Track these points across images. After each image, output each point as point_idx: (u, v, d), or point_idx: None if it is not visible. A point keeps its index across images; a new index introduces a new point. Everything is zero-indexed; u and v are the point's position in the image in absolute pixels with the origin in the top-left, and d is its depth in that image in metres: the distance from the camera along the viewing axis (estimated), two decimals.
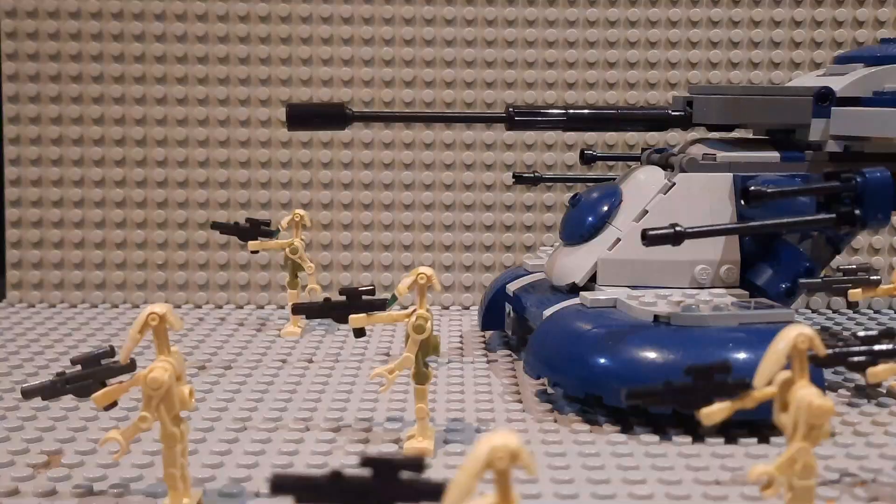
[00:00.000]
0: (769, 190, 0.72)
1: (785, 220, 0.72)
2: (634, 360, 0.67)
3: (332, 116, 0.80)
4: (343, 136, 1.07)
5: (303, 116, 0.80)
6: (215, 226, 0.96)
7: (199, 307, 1.08)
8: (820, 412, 0.48)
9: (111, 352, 0.56)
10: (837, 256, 0.96)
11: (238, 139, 1.08)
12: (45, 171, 1.07)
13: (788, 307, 0.74)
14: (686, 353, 0.67)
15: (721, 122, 0.82)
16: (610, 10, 1.07)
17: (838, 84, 0.79)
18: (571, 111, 0.83)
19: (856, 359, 0.56)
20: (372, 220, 1.09)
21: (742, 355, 0.66)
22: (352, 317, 0.64)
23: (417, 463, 0.35)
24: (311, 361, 0.85)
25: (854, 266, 0.77)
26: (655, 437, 0.66)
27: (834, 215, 0.71)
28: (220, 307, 1.08)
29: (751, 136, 0.89)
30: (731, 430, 0.66)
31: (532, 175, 0.98)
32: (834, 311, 1.06)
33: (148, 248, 1.08)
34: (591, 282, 0.79)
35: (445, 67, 1.07)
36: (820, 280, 0.78)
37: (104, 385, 0.56)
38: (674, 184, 0.79)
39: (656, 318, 0.71)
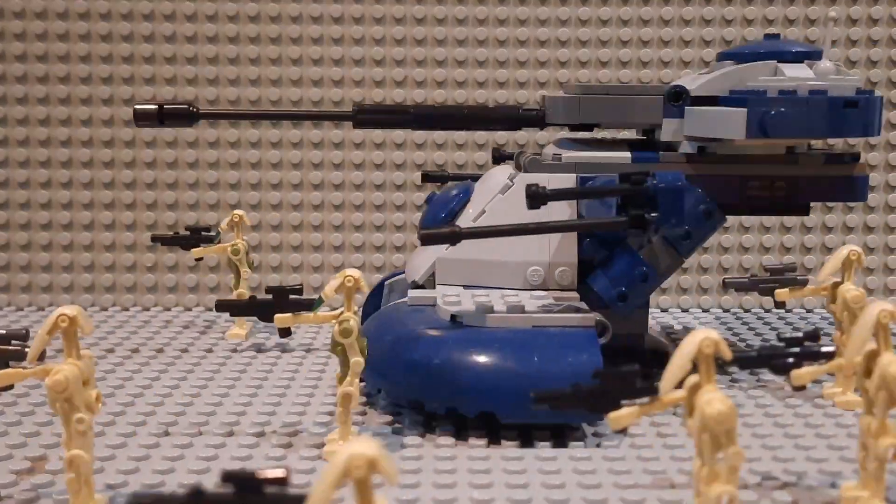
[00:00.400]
0: (551, 192, 0.69)
1: (577, 222, 0.70)
2: (415, 361, 0.67)
3: (177, 115, 0.80)
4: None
5: (148, 115, 0.79)
6: (155, 238, 0.95)
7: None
8: (721, 418, 0.48)
9: (26, 335, 0.56)
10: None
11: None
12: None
13: (624, 313, 0.73)
14: (468, 353, 0.67)
15: (571, 122, 0.80)
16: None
17: (696, 83, 0.77)
18: (416, 109, 0.82)
19: (779, 361, 0.55)
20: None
21: (524, 357, 0.66)
22: (277, 316, 0.64)
23: (281, 478, 0.35)
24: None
25: (781, 266, 0.76)
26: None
27: (626, 218, 0.69)
28: (169, 309, 1.07)
29: (616, 136, 0.87)
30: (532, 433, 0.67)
31: (441, 174, 0.96)
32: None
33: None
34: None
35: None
36: (746, 280, 0.77)
37: (6, 366, 0.55)
38: (513, 184, 0.78)
39: (453, 317, 0.70)
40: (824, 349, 0.55)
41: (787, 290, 0.75)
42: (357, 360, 0.62)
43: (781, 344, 0.55)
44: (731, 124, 0.72)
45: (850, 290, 0.72)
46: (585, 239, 0.75)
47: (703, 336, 0.49)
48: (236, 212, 0.93)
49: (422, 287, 0.77)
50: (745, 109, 0.71)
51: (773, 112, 0.71)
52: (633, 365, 0.51)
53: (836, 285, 0.73)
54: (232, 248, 0.93)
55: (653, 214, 0.69)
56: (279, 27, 1.06)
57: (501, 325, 0.69)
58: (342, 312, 0.63)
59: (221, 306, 0.67)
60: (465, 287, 0.76)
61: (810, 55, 0.75)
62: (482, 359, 0.67)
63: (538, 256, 0.76)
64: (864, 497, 0.55)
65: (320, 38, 1.06)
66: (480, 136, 1.07)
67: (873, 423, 0.54)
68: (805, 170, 0.76)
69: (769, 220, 1.06)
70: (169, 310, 1.07)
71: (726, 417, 0.48)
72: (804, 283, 0.75)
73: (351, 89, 1.06)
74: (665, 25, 1.06)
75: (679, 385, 0.50)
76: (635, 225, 0.69)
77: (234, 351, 0.89)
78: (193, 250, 0.93)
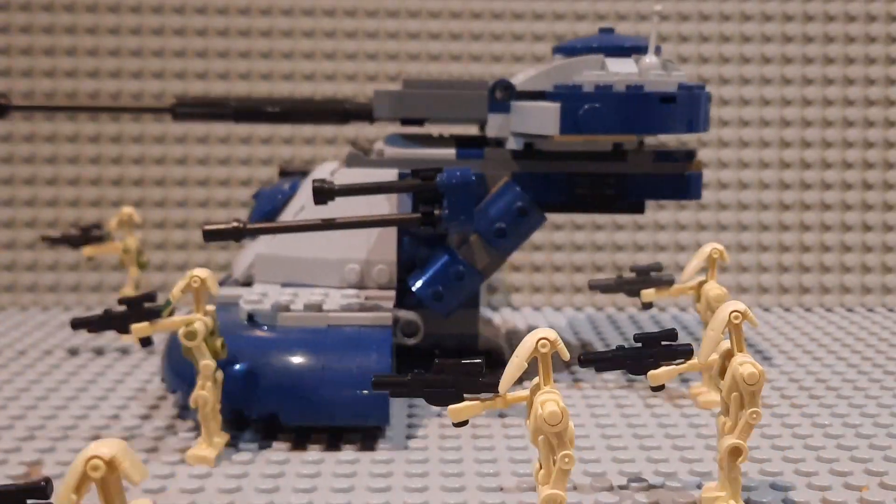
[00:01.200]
0: (338, 187, 0.68)
1: (365, 218, 0.69)
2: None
3: None
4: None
5: None
6: (45, 239, 0.93)
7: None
8: (552, 418, 0.47)
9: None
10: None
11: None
12: None
13: (443, 312, 0.72)
14: (254, 354, 0.65)
15: (397, 117, 0.78)
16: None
17: (522, 77, 0.76)
18: (237, 103, 0.81)
19: (636, 362, 0.55)
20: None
21: (310, 357, 0.65)
22: (134, 326, 0.62)
23: (40, 489, 0.33)
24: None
25: (647, 266, 0.75)
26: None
27: (419, 214, 0.68)
28: (70, 308, 1.04)
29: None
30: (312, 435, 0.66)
31: (303, 171, 0.93)
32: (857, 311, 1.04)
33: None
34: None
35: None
36: (612, 281, 0.76)
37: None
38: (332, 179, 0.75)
39: (250, 317, 0.69)
40: (681, 348, 0.54)
41: (652, 290, 0.74)
42: (206, 363, 0.60)
43: (638, 344, 0.55)
44: (546, 120, 0.71)
45: (712, 288, 0.71)
46: (405, 237, 0.74)
47: (539, 336, 0.48)
48: (125, 209, 0.91)
49: (246, 285, 0.76)
50: (558, 105, 0.70)
51: (586, 107, 0.70)
52: (475, 358, 0.50)
53: (702, 284, 0.72)
54: (123, 246, 0.91)
55: (443, 211, 0.67)
56: (270, 20, 1.06)
57: (295, 324, 0.67)
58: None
59: (77, 324, 0.64)
60: (284, 285, 0.75)
61: (639, 50, 0.74)
62: (266, 359, 0.65)
63: (355, 254, 0.74)
64: (722, 497, 0.54)
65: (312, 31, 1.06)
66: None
67: (728, 423, 0.53)
68: (634, 167, 0.75)
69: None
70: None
71: (558, 419, 0.47)
72: (670, 282, 0.74)
73: (343, 84, 1.06)
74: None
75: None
76: (425, 221, 0.68)
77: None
78: (84, 249, 0.91)
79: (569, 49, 0.76)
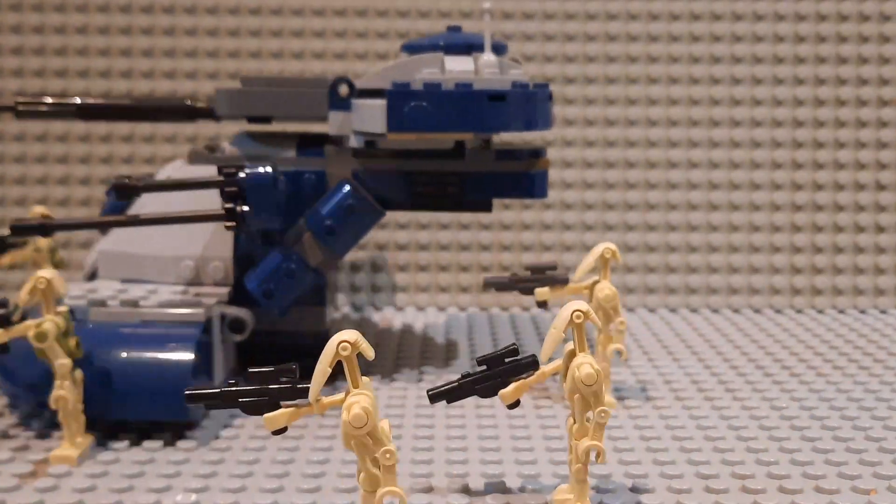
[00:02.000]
0: (142, 184, 0.68)
1: (172, 214, 0.68)
2: (20, 359, 0.63)
3: None
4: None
5: None
6: None
7: None
8: (357, 420, 0.46)
9: None
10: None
11: None
12: None
13: (276, 309, 0.73)
14: None
15: (238, 115, 0.78)
16: None
17: (365, 75, 0.76)
18: (83, 101, 0.80)
19: (484, 385, 0.54)
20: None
21: (113, 354, 0.65)
22: None
23: None
24: None
25: (542, 265, 0.74)
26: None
27: (223, 211, 0.68)
28: None
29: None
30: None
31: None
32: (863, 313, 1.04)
33: None
34: None
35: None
36: (506, 279, 0.75)
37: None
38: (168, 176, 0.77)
39: (72, 312, 0.68)
40: (525, 361, 0.53)
41: (547, 289, 0.73)
42: (61, 363, 0.60)
43: (482, 367, 0.53)
44: (375, 118, 0.71)
45: (602, 289, 0.70)
46: (241, 234, 0.74)
47: (339, 339, 0.47)
48: (36, 208, 0.90)
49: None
50: (384, 102, 0.70)
51: (412, 105, 0.69)
52: (290, 364, 0.49)
53: (595, 284, 0.71)
54: (34, 247, 0.90)
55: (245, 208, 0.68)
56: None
57: (108, 319, 0.67)
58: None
59: None
60: (124, 281, 0.75)
61: (480, 48, 0.73)
62: None
63: (191, 251, 0.75)
64: (570, 500, 0.54)
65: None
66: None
67: (575, 426, 0.52)
68: (475, 165, 0.75)
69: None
70: None
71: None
72: (565, 281, 0.73)
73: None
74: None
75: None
76: (229, 219, 0.67)
77: None
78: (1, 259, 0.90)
79: (414, 47, 0.76)
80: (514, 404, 0.53)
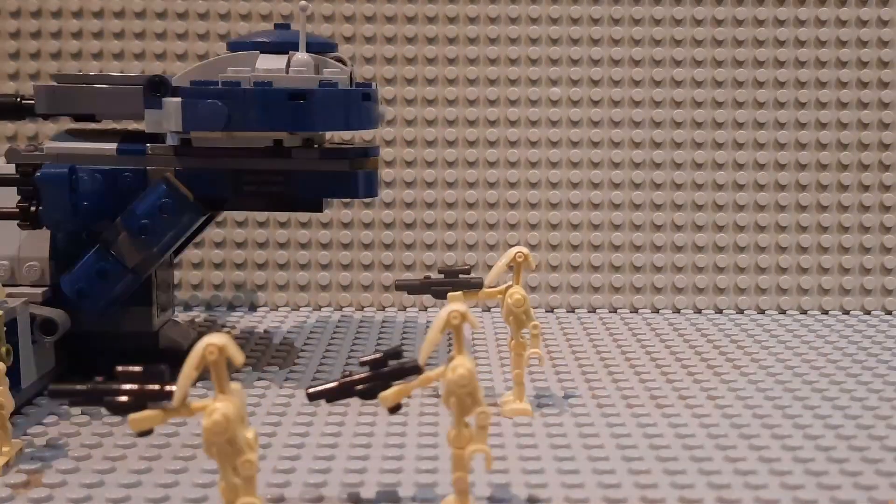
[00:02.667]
0: None
1: None
2: None
3: None
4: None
5: None
6: None
7: None
8: (216, 426, 0.45)
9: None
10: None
11: None
12: None
13: (90, 309, 0.72)
14: None
15: (55, 112, 0.77)
16: None
17: (182, 72, 0.75)
18: None
19: (364, 387, 0.53)
20: None
21: None
22: None
23: None
24: None
25: (456, 267, 0.73)
26: None
27: (18, 209, 0.68)
28: None
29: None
30: None
31: None
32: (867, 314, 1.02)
33: None
34: None
35: None
36: (418, 282, 0.74)
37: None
38: None
39: None
40: (409, 365, 0.52)
41: (460, 292, 0.71)
42: None
43: (366, 368, 0.53)
44: (173, 116, 0.70)
45: (513, 293, 0.68)
46: (58, 234, 0.74)
47: (205, 343, 0.46)
48: None
49: None
50: (180, 101, 0.70)
51: (206, 103, 0.69)
52: (159, 366, 0.47)
53: (509, 288, 0.70)
54: None
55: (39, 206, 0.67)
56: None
57: None
58: None
59: None
60: None
61: (320, 47, 0.74)
62: None
63: (6, 251, 0.74)
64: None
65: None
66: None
67: (452, 431, 0.51)
68: (300, 165, 0.74)
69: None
70: None
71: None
72: (479, 285, 0.71)
73: None
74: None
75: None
76: (23, 217, 0.67)
77: None
78: None
79: (236, 45, 0.75)
80: (395, 408, 0.53)
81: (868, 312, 1.02)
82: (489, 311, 1.02)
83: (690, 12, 1.04)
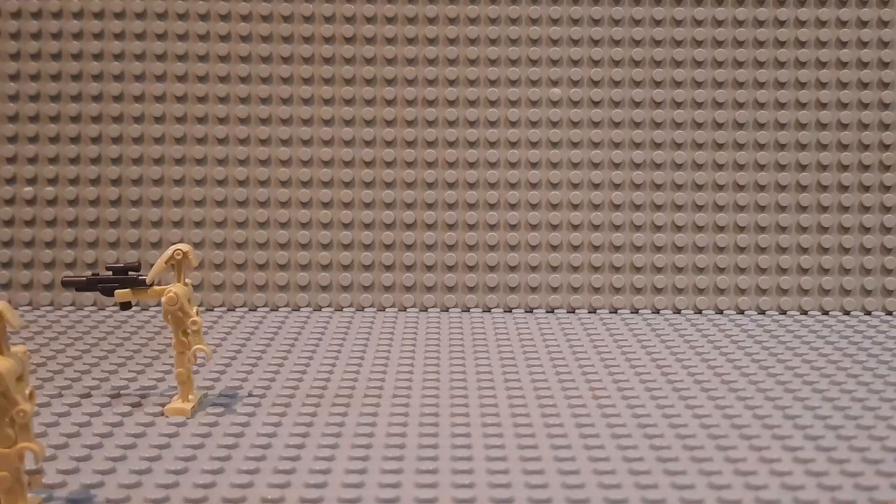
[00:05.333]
0: None
1: None
2: None
3: None
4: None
5: None
6: None
7: None
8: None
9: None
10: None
11: None
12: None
13: None
14: None
15: None
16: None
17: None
18: None
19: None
20: None
21: None
22: None
23: None
24: None
25: (124, 265, 0.73)
26: None
27: None
28: None
29: None
30: None
31: None
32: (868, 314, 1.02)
33: None
34: None
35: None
36: (84, 279, 0.73)
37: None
38: None
39: None
40: (140, 278, 0.70)
41: (128, 290, 0.71)
42: None
43: (109, 272, 0.69)
44: None
45: (167, 292, 0.69)
46: None
47: None
48: None
49: None
50: None
51: None
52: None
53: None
54: None
55: None
56: (291, 27, 1.04)
57: None
58: None
59: None
60: None
61: None
62: None
63: None
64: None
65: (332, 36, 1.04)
66: None
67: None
68: None
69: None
70: None
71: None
72: (146, 282, 0.72)
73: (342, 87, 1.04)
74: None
75: None
76: None
77: None
78: None
79: None
80: (126, 305, 0.72)
81: (868, 313, 1.02)
82: (489, 311, 1.02)
83: (691, 13, 1.04)
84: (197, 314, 0.70)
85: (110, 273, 0.72)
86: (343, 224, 1.03)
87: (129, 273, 0.72)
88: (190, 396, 0.70)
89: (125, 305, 0.73)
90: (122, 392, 0.75)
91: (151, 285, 0.71)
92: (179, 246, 0.70)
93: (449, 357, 0.85)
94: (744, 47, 1.04)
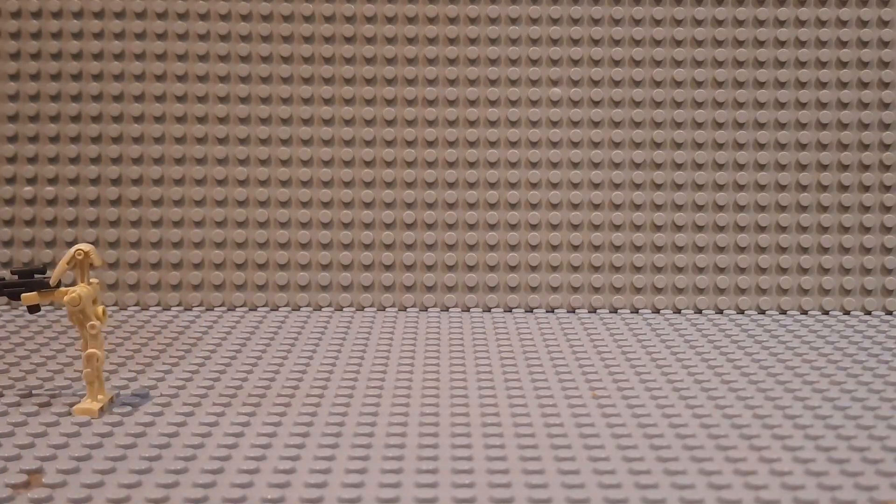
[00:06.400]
0: None
1: None
2: None
3: None
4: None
5: None
6: None
7: None
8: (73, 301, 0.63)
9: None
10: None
11: None
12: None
13: None
14: None
15: None
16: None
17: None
18: None
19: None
20: None
21: None
22: None
23: None
24: None
25: (30, 268, 0.72)
26: None
27: None
28: None
29: None
30: None
31: None
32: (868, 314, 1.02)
33: None
34: None
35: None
36: None
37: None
38: None
39: None
40: (44, 280, 0.70)
41: (35, 293, 0.71)
42: None
43: (16, 276, 0.68)
44: None
45: (68, 293, 0.69)
46: None
47: None
48: None
49: None
50: None
51: None
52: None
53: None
54: None
55: None
56: (291, 26, 1.04)
57: None
58: None
59: None
60: None
61: None
62: None
63: None
64: None
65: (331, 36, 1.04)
66: None
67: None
68: None
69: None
70: None
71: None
72: (58, 284, 0.71)
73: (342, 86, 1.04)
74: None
75: None
76: None
77: None
78: None
79: None
80: (34, 308, 0.71)
81: (868, 313, 1.02)
82: (489, 311, 1.02)
83: (691, 13, 1.04)
84: (103, 314, 0.70)
85: (16, 277, 0.72)
86: (343, 224, 1.03)
87: (35, 276, 0.71)
88: (100, 396, 0.70)
89: (33, 308, 0.72)
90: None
91: (57, 287, 0.71)
92: (80, 246, 0.70)
93: (449, 357, 0.85)
94: (744, 47, 1.04)
